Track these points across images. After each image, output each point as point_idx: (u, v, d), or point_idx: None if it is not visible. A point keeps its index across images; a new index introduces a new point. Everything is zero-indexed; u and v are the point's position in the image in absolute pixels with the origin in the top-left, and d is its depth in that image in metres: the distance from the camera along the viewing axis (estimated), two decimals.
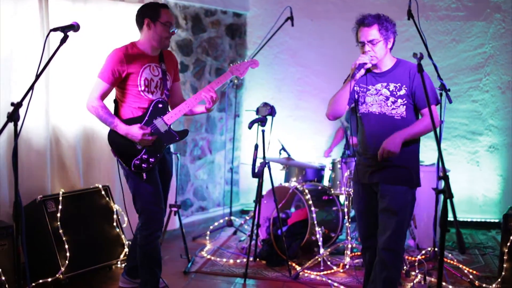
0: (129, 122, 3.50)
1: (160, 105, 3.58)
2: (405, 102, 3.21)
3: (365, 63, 3.16)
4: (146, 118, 3.53)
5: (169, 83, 3.68)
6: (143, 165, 3.51)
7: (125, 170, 3.58)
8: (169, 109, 3.65)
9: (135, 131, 3.43)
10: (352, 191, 3.72)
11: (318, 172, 5.50)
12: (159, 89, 3.61)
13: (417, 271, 4.30)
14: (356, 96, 3.33)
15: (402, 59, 3.32)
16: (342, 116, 3.60)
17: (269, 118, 4.36)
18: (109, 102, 3.59)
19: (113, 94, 3.61)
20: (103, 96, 3.50)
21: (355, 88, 3.32)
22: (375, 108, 3.26)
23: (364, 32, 3.18)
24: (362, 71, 3.21)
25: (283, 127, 6.00)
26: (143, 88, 3.51)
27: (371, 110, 3.28)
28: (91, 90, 3.51)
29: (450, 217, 2.14)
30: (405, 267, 4.37)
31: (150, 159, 3.53)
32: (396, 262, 3.25)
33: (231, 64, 3.80)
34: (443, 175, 2.09)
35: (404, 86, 3.20)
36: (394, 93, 3.22)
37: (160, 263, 3.69)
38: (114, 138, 3.52)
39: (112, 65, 3.45)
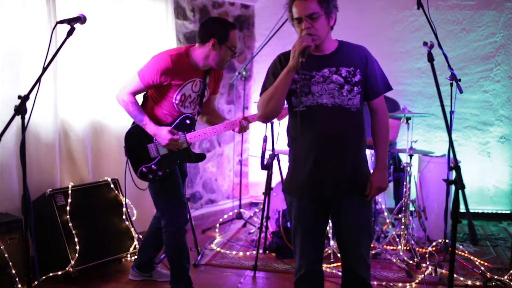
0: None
1: (188, 121, 3.51)
2: (360, 90, 2.67)
3: (309, 46, 2.54)
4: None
5: (204, 99, 3.59)
6: (149, 175, 3.48)
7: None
8: (195, 128, 3.55)
9: (163, 134, 3.37)
10: (291, 208, 2.85)
11: None
12: (192, 105, 3.53)
13: (427, 263, 4.27)
14: (296, 86, 2.66)
15: (345, 41, 2.77)
16: (277, 116, 2.85)
17: None
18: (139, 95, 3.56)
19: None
20: (136, 93, 3.43)
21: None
22: (326, 99, 2.63)
23: (301, 6, 2.58)
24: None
25: None
26: (177, 102, 3.43)
27: (321, 102, 2.63)
28: (125, 83, 3.43)
29: (462, 209, 2.11)
30: (415, 259, 4.36)
31: (158, 172, 3.48)
32: (369, 273, 2.83)
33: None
34: (455, 165, 2.05)
35: (358, 70, 2.66)
36: (349, 79, 2.65)
37: (189, 258, 3.69)
38: (131, 139, 3.49)
39: (156, 70, 3.30)
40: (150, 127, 3.39)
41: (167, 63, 3.29)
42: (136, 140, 3.46)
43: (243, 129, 3.50)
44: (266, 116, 2.74)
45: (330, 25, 2.67)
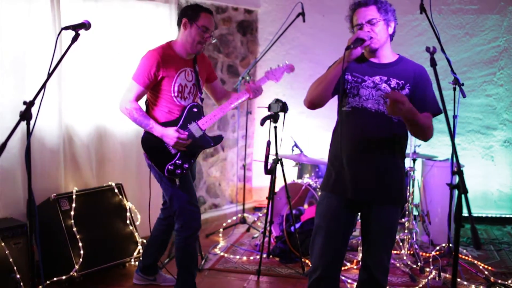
0: (163, 125, 3.48)
1: (195, 109, 3.57)
2: None
3: (364, 40, 2.67)
4: (181, 122, 3.51)
5: (201, 86, 3.68)
6: (177, 171, 3.50)
7: (158, 174, 3.58)
8: (204, 114, 3.63)
9: (170, 133, 3.41)
10: (321, 204, 2.91)
11: None
12: (192, 95, 3.60)
13: (431, 267, 4.27)
14: (346, 86, 2.79)
15: (405, 57, 2.90)
16: (322, 106, 2.84)
17: (281, 114, 4.34)
18: (141, 103, 3.58)
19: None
20: (138, 98, 3.48)
21: (346, 76, 2.80)
22: (371, 104, 2.75)
23: (361, 13, 2.75)
24: (359, 51, 2.68)
25: (295, 123, 5.98)
26: (176, 94, 3.49)
27: (366, 106, 2.75)
28: (125, 92, 3.48)
29: (465, 213, 2.12)
30: (419, 264, 4.35)
31: (184, 165, 3.51)
32: (387, 277, 2.91)
33: (266, 69, 3.82)
34: (457, 170, 2.06)
35: (407, 85, 2.76)
36: (397, 91, 2.74)
37: (197, 263, 3.72)
38: (148, 142, 3.51)
39: (148, 68, 3.40)
40: (157, 129, 3.43)
41: (155, 57, 3.41)
42: (153, 143, 3.49)
43: (256, 92, 3.67)
44: (312, 100, 2.81)
45: (389, 33, 2.81)
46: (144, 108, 3.59)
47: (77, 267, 3.91)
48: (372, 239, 2.86)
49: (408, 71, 2.80)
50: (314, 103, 2.81)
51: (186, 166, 3.52)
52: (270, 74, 3.78)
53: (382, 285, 2.86)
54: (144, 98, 3.61)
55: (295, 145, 5.35)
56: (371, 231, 2.86)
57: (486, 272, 4.26)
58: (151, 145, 3.50)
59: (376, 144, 2.76)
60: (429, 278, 4.13)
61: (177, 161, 3.50)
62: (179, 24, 3.54)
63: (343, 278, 4.15)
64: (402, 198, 2.90)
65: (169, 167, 3.49)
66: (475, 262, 4.50)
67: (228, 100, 3.71)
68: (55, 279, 3.92)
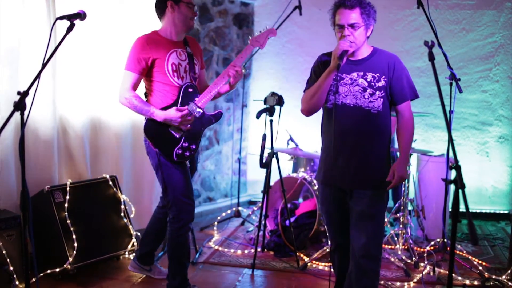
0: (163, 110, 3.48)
1: (190, 89, 3.54)
2: (383, 94, 2.92)
3: (347, 51, 2.84)
4: (179, 104, 3.49)
5: (197, 68, 3.66)
6: (185, 153, 3.49)
7: (155, 162, 3.55)
8: (199, 92, 3.60)
9: (173, 114, 3.40)
10: (318, 191, 3.31)
11: None
12: (188, 74, 3.58)
13: (426, 262, 4.28)
14: None
15: (379, 48, 3.03)
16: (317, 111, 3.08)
17: (277, 108, 4.33)
18: (141, 95, 3.57)
19: (142, 87, 3.58)
20: (134, 87, 3.46)
21: None
22: (350, 99, 2.93)
23: (345, 15, 2.87)
24: (345, 60, 2.84)
25: (291, 117, 5.97)
26: (171, 73, 3.47)
27: (345, 102, 2.93)
28: (121, 84, 3.46)
29: (461, 208, 2.11)
30: (413, 259, 4.36)
31: (192, 146, 3.51)
32: (376, 268, 2.97)
33: (249, 37, 3.77)
34: (456, 165, 2.06)
35: (383, 77, 2.92)
36: (373, 84, 2.92)
37: (189, 255, 3.70)
38: (152, 130, 3.49)
39: (136, 53, 3.41)
40: (158, 115, 3.42)
41: (140, 42, 3.46)
42: (156, 131, 3.48)
43: (236, 76, 3.60)
44: (309, 110, 3.01)
45: (367, 35, 2.95)
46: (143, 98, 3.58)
47: (70, 259, 3.89)
48: (354, 222, 3.00)
49: (382, 63, 2.95)
50: (311, 112, 3.01)
51: (194, 147, 3.53)
52: (253, 41, 3.73)
53: (367, 272, 2.93)
54: (143, 90, 3.60)
55: (291, 138, 5.33)
56: (352, 214, 3.00)
57: (480, 268, 4.26)
58: (155, 132, 3.48)
59: (357, 136, 2.94)
60: (424, 273, 4.13)
61: (183, 144, 3.49)
62: (162, 10, 3.52)
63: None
64: (381, 180, 2.97)
65: (177, 151, 3.48)
66: (469, 257, 4.51)
67: (220, 75, 3.64)
68: (48, 271, 3.90)
